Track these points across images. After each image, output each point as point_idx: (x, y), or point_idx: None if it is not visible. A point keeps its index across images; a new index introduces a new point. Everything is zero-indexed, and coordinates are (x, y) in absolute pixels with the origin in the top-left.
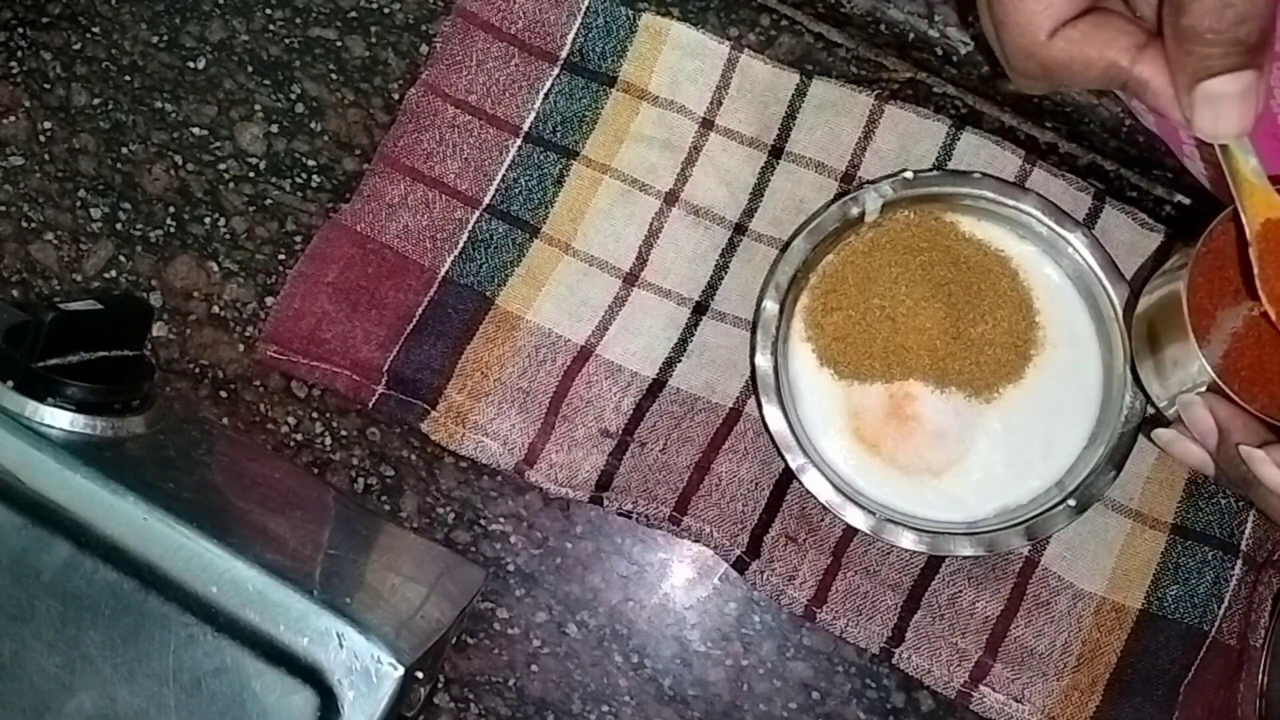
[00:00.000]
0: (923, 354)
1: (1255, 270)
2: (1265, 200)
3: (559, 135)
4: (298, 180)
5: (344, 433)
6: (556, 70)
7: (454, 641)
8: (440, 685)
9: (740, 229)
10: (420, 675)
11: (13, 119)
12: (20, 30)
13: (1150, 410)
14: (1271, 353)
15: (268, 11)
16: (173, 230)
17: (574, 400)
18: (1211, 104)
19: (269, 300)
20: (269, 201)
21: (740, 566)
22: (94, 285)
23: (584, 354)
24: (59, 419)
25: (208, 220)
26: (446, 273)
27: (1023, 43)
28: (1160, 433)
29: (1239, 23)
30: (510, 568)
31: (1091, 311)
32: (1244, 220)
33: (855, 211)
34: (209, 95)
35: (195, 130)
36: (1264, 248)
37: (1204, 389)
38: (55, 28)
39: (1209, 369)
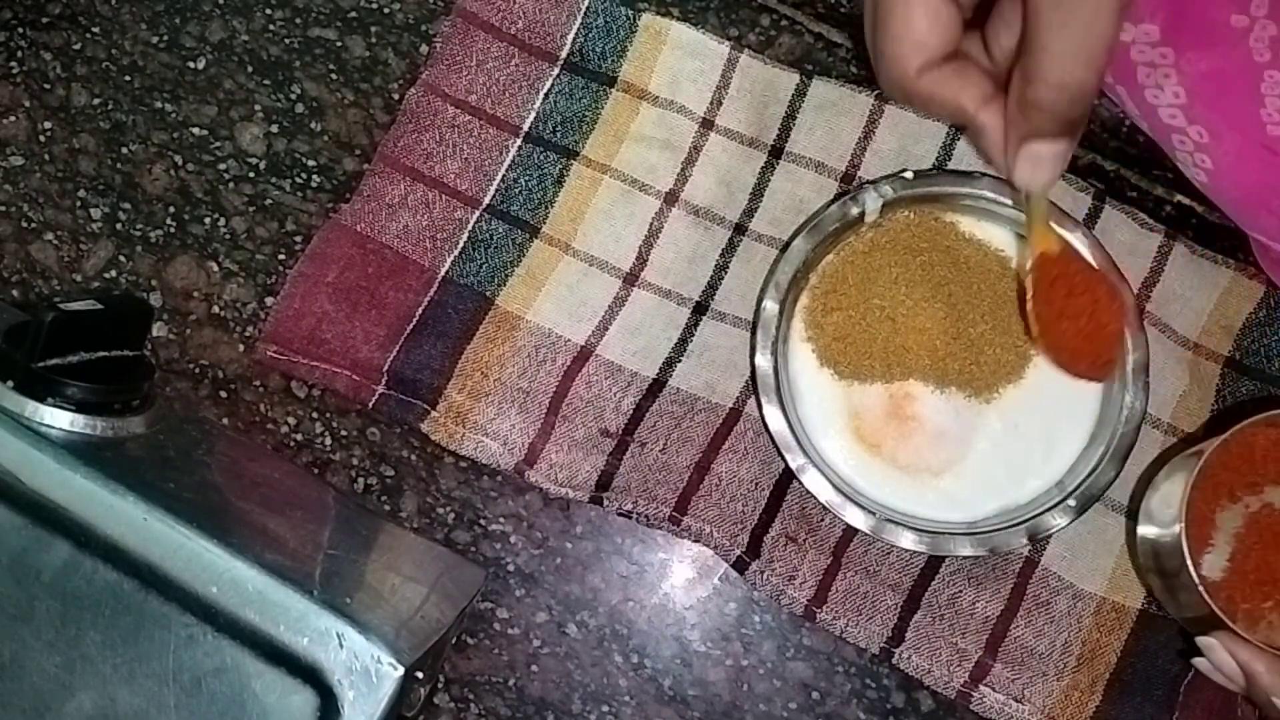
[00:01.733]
0: (923, 354)
1: (1028, 295)
2: (1046, 238)
3: (559, 135)
4: (298, 180)
5: (344, 433)
6: (556, 70)
7: (454, 641)
8: (440, 685)
9: (740, 229)
10: (420, 675)
11: (13, 119)
12: (20, 30)
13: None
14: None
15: (268, 11)
16: (173, 230)
17: (574, 400)
18: (1032, 161)
19: (269, 300)
20: (269, 201)
21: (740, 566)
22: (94, 285)
23: (584, 354)
24: (59, 419)
25: (208, 220)
26: (446, 273)
27: (894, 74)
28: (1199, 663)
29: (1071, 103)
30: (510, 568)
31: None
32: (1028, 252)
33: (855, 211)
34: (209, 95)
35: (195, 130)
36: (1037, 276)
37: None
38: (55, 28)
39: (1218, 612)
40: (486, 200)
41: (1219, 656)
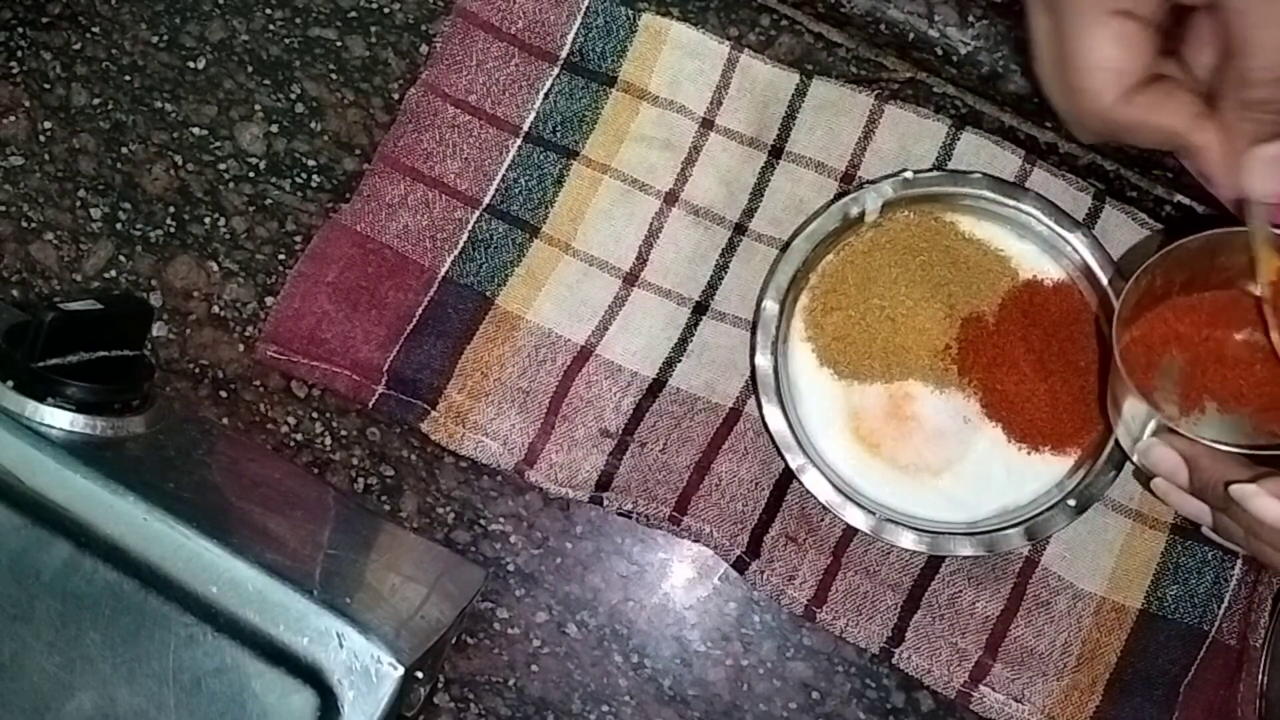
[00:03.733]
0: (923, 354)
1: (1269, 316)
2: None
3: (559, 135)
4: (298, 180)
5: (344, 433)
6: (556, 70)
7: (454, 641)
8: (440, 685)
9: (740, 229)
10: (420, 675)
11: (13, 119)
12: (20, 30)
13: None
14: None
15: (268, 11)
16: (173, 230)
17: (574, 400)
18: (1263, 164)
19: (269, 300)
20: (269, 201)
21: (740, 566)
22: (94, 285)
23: (584, 354)
24: (59, 419)
25: (208, 220)
26: (446, 273)
27: (1091, 107)
28: (1157, 483)
29: None
30: (510, 568)
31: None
32: (1258, 269)
33: (855, 211)
34: (209, 95)
35: (195, 130)
36: (1275, 290)
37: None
38: (55, 28)
39: (1161, 409)
40: (486, 200)
41: (1157, 453)
